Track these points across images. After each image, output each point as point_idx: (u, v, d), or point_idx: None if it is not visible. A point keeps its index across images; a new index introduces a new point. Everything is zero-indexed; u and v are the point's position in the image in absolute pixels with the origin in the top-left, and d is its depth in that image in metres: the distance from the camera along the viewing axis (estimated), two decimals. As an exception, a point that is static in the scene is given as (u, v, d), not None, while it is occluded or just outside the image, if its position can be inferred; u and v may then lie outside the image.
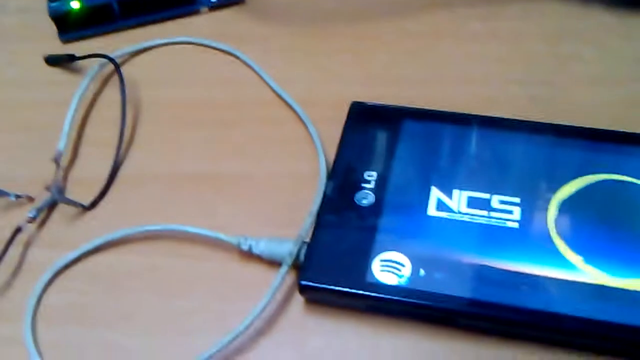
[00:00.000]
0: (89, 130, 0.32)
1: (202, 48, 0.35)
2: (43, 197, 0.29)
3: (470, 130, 0.29)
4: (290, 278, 0.26)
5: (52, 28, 0.36)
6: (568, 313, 0.23)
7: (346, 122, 0.30)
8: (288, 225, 0.28)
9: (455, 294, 0.24)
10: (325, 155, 0.30)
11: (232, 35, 0.36)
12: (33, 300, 0.26)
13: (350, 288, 0.24)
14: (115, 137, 0.31)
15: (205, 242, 0.28)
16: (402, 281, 0.24)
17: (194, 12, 0.37)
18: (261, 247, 0.26)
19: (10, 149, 0.32)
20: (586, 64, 0.33)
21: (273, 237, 0.26)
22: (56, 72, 0.35)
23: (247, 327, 0.24)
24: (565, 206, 0.26)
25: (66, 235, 0.28)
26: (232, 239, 0.26)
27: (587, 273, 0.24)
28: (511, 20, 0.35)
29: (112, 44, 0.35)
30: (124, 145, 0.31)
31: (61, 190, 0.29)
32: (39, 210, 0.28)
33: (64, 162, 0.31)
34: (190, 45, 0.36)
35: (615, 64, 0.33)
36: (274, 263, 0.26)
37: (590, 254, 0.25)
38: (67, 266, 0.27)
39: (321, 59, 0.34)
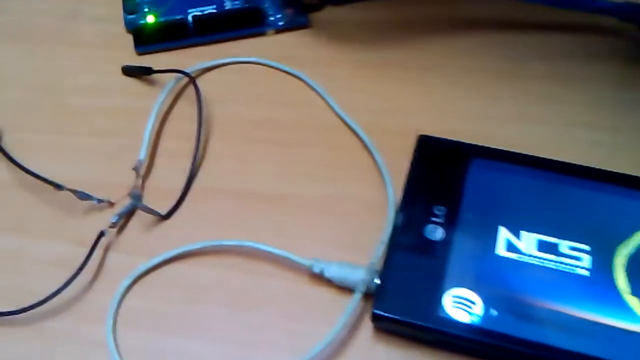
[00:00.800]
0: (162, 142, 0.33)
1: (270, 69, 0.36)
2: (122, 203, 0.30)
3: (538, 173, 0.29)
4: (360, 305, 0.27)
5: (127, 37, 0.37)
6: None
7: (414, 155, 0.31)
8: (354, 252, 0.28)
9: (526, 337, 0.24)
10: (393, 183, 0.30)
11: (297, 58, 0.37)
12: (115, 304, 0.27)
13: (422, 322, 0.25)
14: (188, 149, 0.32)
15: (277, 261, 0.28)
16: (474, 319, 0.25)
17: (261, 33, 0.38)
18: (333, 271, 0.27)
19: (86, 153, 0.32)
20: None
21: (344, 263, 0.27)
22: (130, 82, 0.35)
23: (320, 351, 0.24)
24: (634, 258, 0.27)
25: (143, 242, 0.29)
26: (305, 261, 0.27)
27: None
28: (571, 62, 0.36)
29: (184, 59, 0.36)
30: (198, 159, 0.32)
31: (140, 198, 0.30)
32: (120, 216, 0.29)
33: (144, 170, 0.31)
34: (259, 66, 0.36)
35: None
36: (343, 288, 0.27)
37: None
38: (146, 272, 0.28)
39: (385, 87, 0.35)
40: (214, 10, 0.38)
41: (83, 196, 0.29)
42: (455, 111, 0.34)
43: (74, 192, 0.29)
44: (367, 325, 0.26)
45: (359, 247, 0.28)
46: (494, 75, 0.36)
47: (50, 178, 0.31)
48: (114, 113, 0.34)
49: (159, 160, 0.32)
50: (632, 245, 0.27)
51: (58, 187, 0.29)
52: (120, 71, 0.36)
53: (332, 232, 0.29)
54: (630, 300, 0.25)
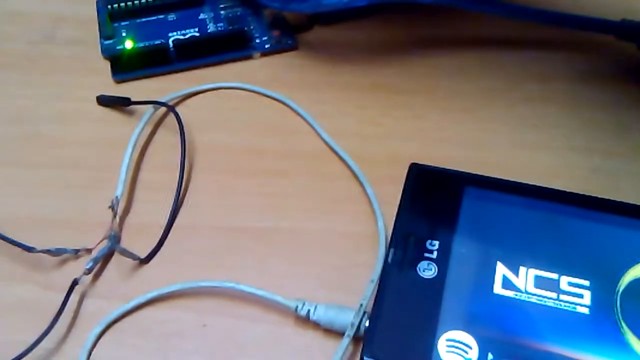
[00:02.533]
0: (142, 174, 0.31)
1: (254, 94, 0.35)
2: (99, 246, 0.28)
3: (535, 203, 0.28)
4: (349, 350, 0.25)
5: (103, 62, 0.35)
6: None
7: (405, 185, 0.29)
8: (344, 291, 0.27)
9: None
10: (383, 215, 0.29)
11: (284, 82, 0.35)
12: (84, 356, 0.25)
13: (417, 368, 0.23)
14: (169, 181, 0.30)
15: (260, 303, 0.26)
16: (469, 365, 0.23)
17: (247, 56, 0.36)
18: (320, 314, 0.25)
19: (59, 188, 0.31)
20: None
21: (332, 304, 0.25)
22: (107, 111, 0.34)
23: (306, 402, 0.23)
24: (635, 291, 0.25)
25: (121, 287, 0.27)
26: (290, 303, 0.25)
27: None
28: (568, 83, 0.35)
29: (165, 85, 0.35)
30: (179, 193, 0.30)
31: (118, 240, 0.28)
32: (96, 261, 0.27)
33: (121, 207, 0.30)
34: (243, 91, 0.35)
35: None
36: (331, 332, 0.25)
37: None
38: (119, 319, 0.26)
39: (374, 112, 0.34)
40: (197, 34, 0.37)
41: (58, 252, 0.27)
42: (447, 137, 0.33)
43: (47, 252, 0.27)
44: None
45: (348, 285, 0.27)
46: (487, 98, 0.34)
47: (18, 215, 0.29)
48: (86, 143, 0.32)
49: (139, 194, 0.31)
50: (628, 280, 0.25)
51: (28, 249, 0.27)
52: (93, 100, 0.34)
53: (320, 270, 0.28)
54: (631, 339, 0.24)
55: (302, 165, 0.32)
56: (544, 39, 0.37)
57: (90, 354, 0.25)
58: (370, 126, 0.33)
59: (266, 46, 0.37)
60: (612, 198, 0.28)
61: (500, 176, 0.29)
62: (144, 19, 0.37)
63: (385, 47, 0.37)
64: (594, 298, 0.25)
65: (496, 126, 0.33)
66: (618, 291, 0.25)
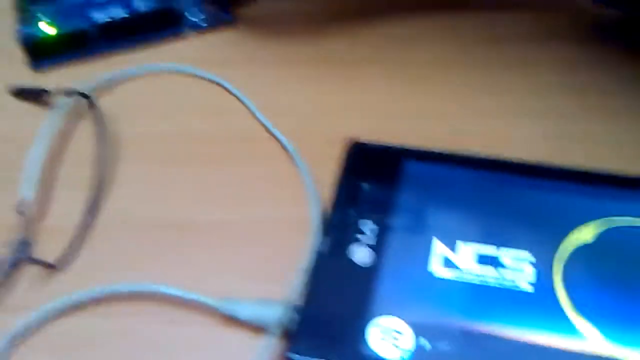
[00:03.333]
0: (61, 172, 0.29)
1: (185, 76, 0.33)
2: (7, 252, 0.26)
3: (477, 174, 0.26)
4: (281, 345, 0.23)
5: (19, 50, 0.33)
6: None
7: (342, 165, 0.27)
8: (277, 280, 0.25)
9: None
10: (318, 199, 0.27)
11: (220, 62, 0.33)
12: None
13: (344, 362, 0.21)
14: (82, 178, 0.28)
15: (185, 304, 0.25)
16: (400, 354, 0.22)
17: (180, 36, 0.34)
18: (246, 311, 0.23)
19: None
20: (604, 97, 0.30)
21: (259, 300, 0.24)
22: (22, 103, 0.32)
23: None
24: (577, 261, 0.23)
25: (32, 296, 0.25)
26: (215, 302, 0.24)
27: (599, 343, 0.21)
28: (522, 45, 0.32)
29: (89, 72, 0.32)
30: (99, 189, 0.28)
31: (28, 246, 0.26)
32: (6, 274, 0.25)
33: (32, 208, 0.28)
34: (173, 74, 0.33)
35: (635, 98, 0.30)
36: (258, 328, 0.23)
37: (603, 320, 0.22)
38: (29, 331, 0.24)
39: (317, 88, 0.32)
40: (123, 14, 0.34)
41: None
42: (392, 110, 0.31)
43: None
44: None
45: (282, 276, 0.25)
46: (437, 66, 0.32)
47: None
48: (2, 140, 0.30)
49: (57, 194, 0.29)
50: (578, 244, 0.24)
51: None
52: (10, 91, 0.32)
53: (253, 262, 0.26)
54: (573, 316, 0.22)
55: (236, 149, 0.30)
56: (498, 3, 0.34)
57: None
58: (312, 103, 0.31)
59: (200, 23, 0.34)
60: (564, 163, 0.26)
61: (451, 147, 0.27)
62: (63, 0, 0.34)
63: (329, 18, 0.35)
64: (538, 273, 0.23)
65: (446, 95, 0.31)
66: (557, 260, 0.23)
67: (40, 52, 0.33)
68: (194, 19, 0.34)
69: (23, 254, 0.25)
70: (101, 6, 0.34)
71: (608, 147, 0.29)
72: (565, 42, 0.33)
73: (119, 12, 0.34)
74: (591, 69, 0.31)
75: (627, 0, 0.31)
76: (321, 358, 0.22)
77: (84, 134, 0.31)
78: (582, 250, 0.24)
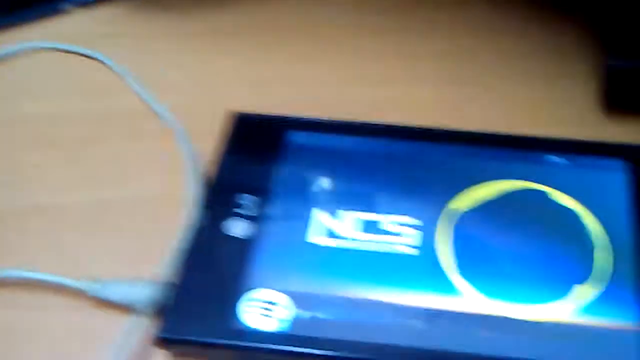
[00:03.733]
0: None
1: (64, 54, 0.31)
2: None
3: (362, 142, 0.26)
4: (154, 326, 0.22)
5: None
6: (462, 351, 0.20)
7: (224, 138, 0.26)
8: (156, 260, 0.24)
9: (339, 338, 0.21)
10: (200, 174, 0.26)
11: (102, 37, 0.32)
12: None
13: (215, 338, 0.21)
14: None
15: (50, 289, 0.24)
16: (276, 325, 0.21)
17: (61, 11, 0.33)
18: (112, 291, 0.22)
19: None
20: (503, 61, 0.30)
21: (130, 280, 0.23)
22: None
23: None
24: (462, 223, 0.23)
25: None
26: (80, 284, 0.23)
27: (477, 301, 0.22)
28: (421, 8, 0.32)
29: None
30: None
31: None
32: None
33: None
34: (53, 52, 0.31)
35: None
36: (130, 310, 0.23)
37: (483, 279, 0.22)
38: None
39: (202, 61, 0.31)
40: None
41: None
42: (282, 81, 0.30)
43: None
44: (157, 352, 0.22)
45: (160, 256, 0.24)
46: (331, 36, 0.32)
47: None
48: None
49: None
50: (463, 207, 0.24)
51: None
52: None
53: (132, 243, 0.25)
54: (453, 276, 0.22)
55: (118, 128, 0.29)
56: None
57: None
58: (199, 76, 0.31)
59: (78, -1, 0.33)
60: (460, 128, 0.26)
61: (344, 116, 0.27)
62: None
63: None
64: (417, 235, 0.23)
65: (339, 64, 0.31)
66: (441, 223, 0.23)
67: None
68: (72, -6, 0.33)
69: None
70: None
71: (502, 110, 0.29)
72: (473, 6, 0.32)
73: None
74: (487, 34, 0.31)
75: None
76: (191, 335, 0.21)
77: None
78: (466, 213, 0.24)
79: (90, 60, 0.31)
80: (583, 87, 0.29)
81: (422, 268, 0.22)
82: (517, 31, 0.31)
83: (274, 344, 0.21)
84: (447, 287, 0.22)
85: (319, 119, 0.27)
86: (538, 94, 0.29)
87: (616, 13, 0.28)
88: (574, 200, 0.24)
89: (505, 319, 0.21)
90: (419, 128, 0.26)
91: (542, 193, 0.24)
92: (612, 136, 0.26)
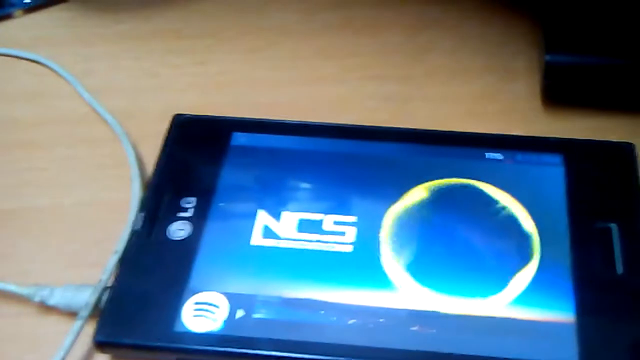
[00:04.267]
0: None
1: (7, 59, 0.31)
2: None
3: (307, 142, 0.26)
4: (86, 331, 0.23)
5: None
6: (398, 348, 0.21)
7: (166, 140, 0.27)
8: (96, 266, 0.24)
9: (276, 337, 0.21)
10: (143, 180, 0.26)
11: (49, 41, 0.32)
12: None
13: (155, 342, 0.21)
14: None
15: (-5, 295, 0.24)
16: (216, 327, 0.21)
17: (5, 16, 0.32)
18: (56, 297, 0.22)
19: None
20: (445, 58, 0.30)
21: (70, 285, 0.23)
22: None
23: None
24: (403, 220, 0.24)
25: None
26: (24, 290, 0.23)
27: (417, 297, 0.22)
28: (367, 7, 0.32)
29: None
30: None
31: None
32: None
33: None
34: (-3, 56, 0.31)
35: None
36: (74, 315, 0.23)
37: (424, 274, 0.22)
38: None
39: (151, 63, 0.31)
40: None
41: None
42: (233, 82, 0.30)
43: None
44: (103, 356, 0.22)
45: (101, 261, 0.24)
46: (279, 34, 0.32)
47: None
48: None
49: None
50: (400, 210, 0.24)
51: None
52: None
53: (73, 248, 0.25)
54: (392, 272, 0.22)
55: (62, 132, 0.29)
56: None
57: None
58: (145, 79, 0.30)
59: (26, 1, 0.33)
60: (400, 126, 0.26)
61: (293, 117, 0.27)
62: None
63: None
64: (358, 235, 0.23)
65: (288, 63, 0.31)
66: (385, 221, 0.24)
67: None
68: (20, -2, 0.33)
69: None
70: None
71: (445, 107, 0.29)
72: (409, 4, 0.32)
73: None
74: (433, 30, 0.32)
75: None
76: (131, 339, 0.21)
77: None
78: (406, 210, 0.24)
79: (34, 64, 0.31)
80: (525, 82, 0.29)
81: (361, 266, 0.23)
82: (458, 26, 0.32)
83: (212, 346, 0.21)
84: (383, 282, 0.22)
85: (261, 120, 0.27)
86: (479, 89, 0.29)
87: (556, 8, 0.28)
88: (510, 195, 0.24)
89: (439, 313, 0.21)
90: (359, 127, 0.26)
91: (479, 190, 0.24)
92: (552, 131, 0.27)
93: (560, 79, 0.27)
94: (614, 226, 0.23)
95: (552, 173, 0.25)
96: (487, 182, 0.25)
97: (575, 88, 0.28)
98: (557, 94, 0.28)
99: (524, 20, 0.31)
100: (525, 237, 0.23)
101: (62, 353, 0.21)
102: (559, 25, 0.28)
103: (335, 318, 0.22)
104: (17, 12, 0.33)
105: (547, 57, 0.27)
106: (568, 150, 0.25)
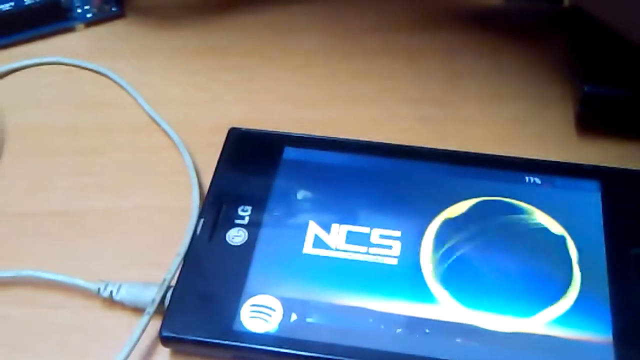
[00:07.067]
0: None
1: (72, 69, 0.33)
2: None
3: (353, 158, 0.28)
4: (155, 328, 0.24)
5: None
6: (442, 357, 0.22)
7: (222, 151, 0.28)
8: (157, 266, 0.26)
9: (328, 341, 0.23)
10: (201, 188, 0.28)
11: (108, 53, 0.34)
12: None
13: (215, 339, 0.23)
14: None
15: (63, 289, 0.25)
16: (271, 328, 0.23)
17: (68, 29, 0.34)
18: (123, 293, 0.24)
19: None
20: (478, 82, 0.32)
21: (136, 282, 0.24)
22: None
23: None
24: (444, 235, 0.25)
25: None
26: (92, 285, 0.24)
27: (455, 310, 0.23)
28: (405, 32, 0.34)
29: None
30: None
31: None
32: None
33: None
34: (60, 66, 0.33)
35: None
36: (138, 310, 0.24)
37: (465, 290, 0.24)
38: None
39: (203, 78, 0.33)
40: (10, 7, 0.34)
41: None
42: (278, 98, 0.32)
43: None
44: (164, 350, 0.24)
45: (161, 262, 0.26)
46: (322, 54, 0.34)
47: None
48: None
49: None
50: (436, 230, 0.26)
51: None
52: None
53: (135, 249, 0.27)
54: (434, 287, 0.24)
55: (122, 140, 0.30)
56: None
57: None
58: (197, 93, 0.32)
59: (88, 15, 0.35)
60: (436, 146, 0.28)
61: (332, 133, 0.29)
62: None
63: (217, 8, 0.36)
64: (402, 248, 0.25)
65: (330, 82, 0.32)
66: (426, 236, 0.25)
67: None
68: (82, 11, 0.35)
69: None
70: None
71: (480, 130, 0.30)
72: (445, 30, 0.34)
73: (4, 4, 0.34)
74: (468, 56, 0.33)
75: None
76: (194, 335, 0.23)
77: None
78: (450, 226, 0.26)
79: (96, 75, 0.33)
80: (558, 109, 0.31)
81: (404, 278, 0.24)
82: (492, 53, 0.33)
83: (268, 346, 0.23)
84: (426, 296, 0.24)
85: (312, 136, 0.29)
86: (513, 114, 0.31)
87: (593, 40, 0.30)
88: (550, 217, 0.26)
89: (481, 329, 0.23)
90: (405, 146, 0.28)
91: (520, 209, 0.26)
92: (585, 157, 0.28)
93: (596, 109, 0.29)
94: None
95: (590, 199, 0.26)
96: (529, 203, 0.26)
97: (610, 118, 0.29)
98: (591, 122, 0.30)
99: (556, 48, 0.33)
100: (563, 257, 0.24)
101: (130, 345, 0.23)
102: (596, 57, 0.29)
103: (383, 326, 0.23)
104: (79, 25, 0.35)
105: (585, 89, 0.28)
106: (604, 177, 0.27)
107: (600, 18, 0.26)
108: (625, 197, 0.26)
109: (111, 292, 0.24)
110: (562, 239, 0.25)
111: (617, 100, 0.28)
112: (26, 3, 0.34)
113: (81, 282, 0.24)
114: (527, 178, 0.27)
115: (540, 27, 0.34)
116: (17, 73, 0.33)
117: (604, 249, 0.25)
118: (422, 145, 0.28)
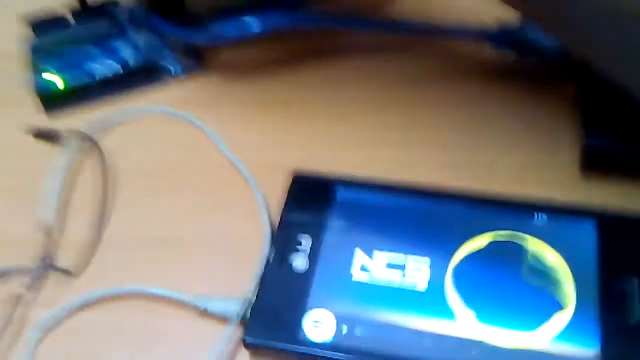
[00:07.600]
0: (74, 199, 0.37)
1: (166, 117, 0.40)
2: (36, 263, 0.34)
3: (393, 197, 0.34)
4: (237, 336, 0.31)
5: (29, 96, 0.41)
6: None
7: (289, 192, 0.35)
8: (238, 282, 0.33)
9: (373, 350, 0.29)
10: (270, 218, 0.35)
11: (193, 104, 0.41)
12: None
13: (285, 344, 0.30)
14: (90, 203, 0.37)
15: (167, 301, 0.33)
16: (328, 338, 0.30)
17: (162, 82, 0.42)
18: (214, 306, 0.32)
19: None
20: (498, 130, 0.38)
21: (224, 298, 0.32)
22: (31, 140, 0.40)
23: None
24: (467, 264, 0.32)
25: (55, 297, 0.34)
26: (191, 299, 0.32)
27: (481, 331, 0.30)
28: (437, 84, 0.40)
29: (87, 115, 0.40)
30: (102, 213, 0.37)
31: (51, 257, 0.34)
32: (35, 280, 0.33)
33: (53, 228, 0.36)
34: (156, 115, 0.40)
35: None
36: (225, 320, 0.32)
37: (481, 311, 0.30)
38: (51, 325, 0.33)
39: (270, 125, 0.39)
40: (118, 69, 0.42)
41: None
42: (331, 142, 0.38)
43: None
44: (245, 353, 0.31)
45: (241, 281, 0.33)
46: (362, 104, 0.40)
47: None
48: (15, 172, 0.38)
49: (70, 216, 0.37)
50: (459, 258, 0.32)
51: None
52: (20, 130, 0.40)
53: (220, 269, 0.34)
54: (458, 309, 0.31)
55: (206, 178, 0.38)
56: (417, 46, 0.42)
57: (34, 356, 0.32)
58: (266, 137, 0.39)
59: (176, 72, 0.42)
60: (461, 187, 0.34)
61: (370, 173, 0.35)
62: (64, 53, 0.42)
63: (280, 64, 0.42)
64: (431, 274, 0.31)
65: (368, 129, 0.39)
66: (452, 264, 0.32)
67: (52, 101, 0.41)
68: (172, 68, 0.42)
69: (47, 264, 0.34)
70: (98, 59, 0.42)
71: (498, 173, 0.35)
72: (472, 82, 0.40)
73: (113, 66, 0.41)
74: (489, 108, 0.38)
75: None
76: (268, 340, 0.30)
77: (89, 167, 0.39)
78: (472, 256, 0.32)
79: (184, 122, 0.40)
80: (566, 154, 0.35)
81: (433, 300, 0.31)
82: (514, 104, 0.38)
83: (324, 351, 0.30)
84: (451, 316, 0.30)
85: (359, 179, 0.35)
86: (526, 159, 0.36)
87: (598, 92, 0.34)
88: (554, 250, 0.31)
89: (492, 345, 0.29)
90: (436, 188, 0.34)
91: (527, 242, 0.32)
92: (590, 197, 0.33)
93: (597, 158, 0.34)
94: (635, 281, 0.30)
95: (586, 235, 0.31)
96: (536, 237, 0.32)
97: (611, 167, 0.35)
98: (594, 169, 0.35)
99: (568, 98, 0.37)
100: (564, 284, 0.30)
101: (219, 347, 0.30)
102: (599, 110, 0.34)
103: (414, 338, 0.30)
104: (170, 79, 0.42)
105: (587, 141, 0.34)
106: (600, 217, 0.32)
107: (603, 75, 0.30)
108: (617, 235, 0.31)
109: (206, 305, 0.32)
110: (563, 268, 0.31)
111: (616, 151, 0.34)
112: (130, 64, 0.42)
113: (183, 297, 0.32)
114: (535, 215, 0.33)
115: (555, 77, 0.39)
116: (124, 122, 0.41)
117: (597, 276, 0.30)
118: (448, 186, 0.34)
